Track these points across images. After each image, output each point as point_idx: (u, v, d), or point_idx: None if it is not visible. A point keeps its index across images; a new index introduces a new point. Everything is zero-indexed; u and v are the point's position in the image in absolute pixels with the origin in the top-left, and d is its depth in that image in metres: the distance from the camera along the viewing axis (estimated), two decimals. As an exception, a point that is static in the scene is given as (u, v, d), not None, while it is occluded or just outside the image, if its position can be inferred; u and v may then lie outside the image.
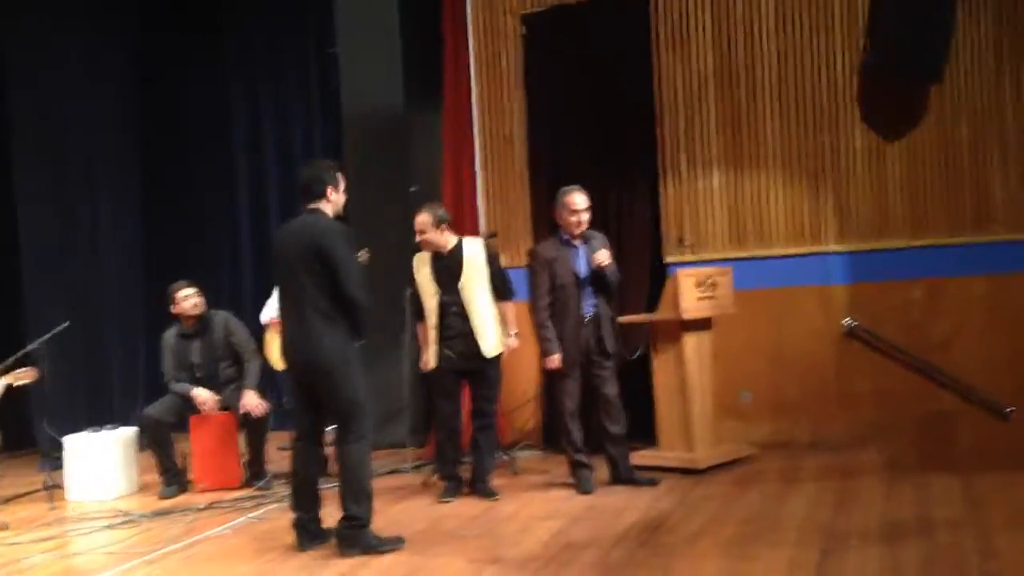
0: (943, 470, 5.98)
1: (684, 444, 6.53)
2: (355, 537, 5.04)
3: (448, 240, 6.19)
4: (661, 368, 6.64)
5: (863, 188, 7.16)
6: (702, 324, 6.63)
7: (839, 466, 6.36)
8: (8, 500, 7.12)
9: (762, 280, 7.25)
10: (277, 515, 5.96)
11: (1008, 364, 6.84)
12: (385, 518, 5.55)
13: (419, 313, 6.33)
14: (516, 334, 6.29)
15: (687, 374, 6.50)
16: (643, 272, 7.47)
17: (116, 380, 9.40)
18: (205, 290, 7.26)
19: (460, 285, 6.14)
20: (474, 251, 6.24)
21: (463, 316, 6.13)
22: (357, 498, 5.05)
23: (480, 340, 6.13)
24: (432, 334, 6.21)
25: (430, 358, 6.24)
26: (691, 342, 6.55)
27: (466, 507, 5.97)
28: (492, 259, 6.27)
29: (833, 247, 7.20)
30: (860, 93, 7.14)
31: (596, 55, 7.64)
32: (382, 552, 5.00)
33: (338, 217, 5.30)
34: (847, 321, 7.10)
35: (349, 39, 8.30)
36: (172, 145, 10.06)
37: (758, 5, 7.35)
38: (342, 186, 5.31)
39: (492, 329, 6.19)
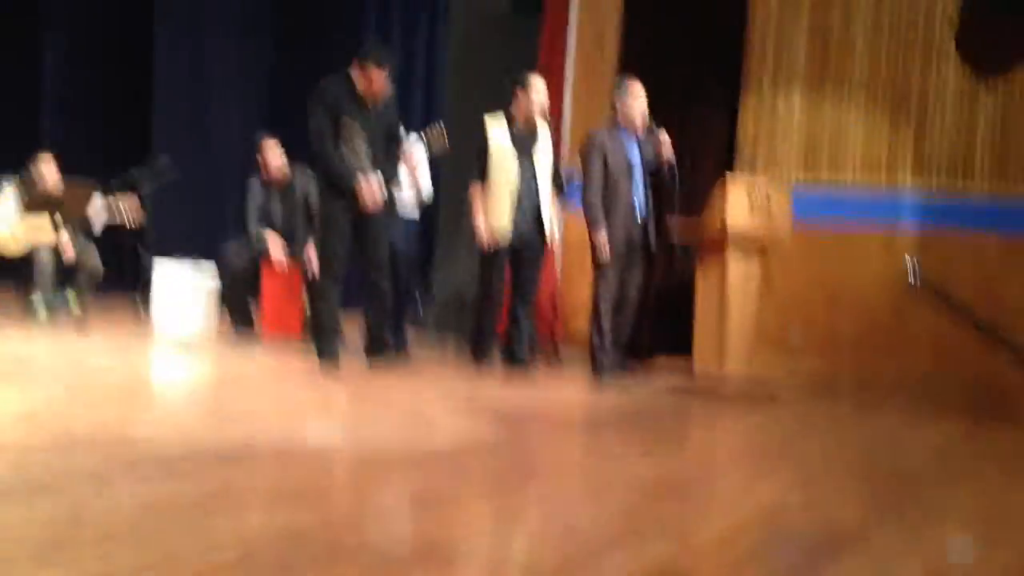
0: (956, 421, 5.71)
1: (716, 362, 6.48)
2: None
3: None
4: (703, 283, 6.54)
5: (949, 128, 6.80)
6: (751, 243, 6.48)
7: (859, 404, 6.17)
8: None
9: (829, 209, 7.01)
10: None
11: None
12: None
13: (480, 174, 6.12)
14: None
15: (728, 291, 6.37)
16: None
17: (223, 222, 9.40)
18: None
19: (537, 154, 6.11)
20: (546, 132, 6.27)
21: (536, 189, 6.11)
22: (317, 332, 5.94)
23: (546, 217, 6.14)
24: (510, 200, 6.04)
25: (494, 228, 6.04)
26: (737, 259, 6.40)
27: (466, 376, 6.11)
28: (555, 147, 6.32)
29: (908, 185, 6.89)
30: (958, 28, 6.75)
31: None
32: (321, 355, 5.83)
33: (356, 97, 5.82)
34: (910, 259, 6.72)
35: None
36: (305, 19, 10.29)
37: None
38: (369, 69, 5.77)
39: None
